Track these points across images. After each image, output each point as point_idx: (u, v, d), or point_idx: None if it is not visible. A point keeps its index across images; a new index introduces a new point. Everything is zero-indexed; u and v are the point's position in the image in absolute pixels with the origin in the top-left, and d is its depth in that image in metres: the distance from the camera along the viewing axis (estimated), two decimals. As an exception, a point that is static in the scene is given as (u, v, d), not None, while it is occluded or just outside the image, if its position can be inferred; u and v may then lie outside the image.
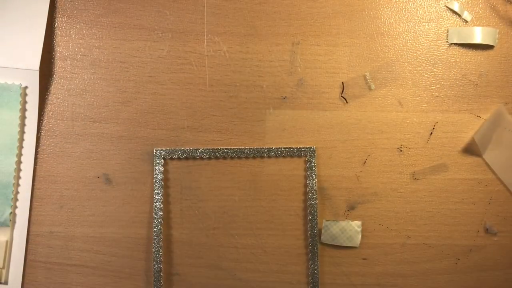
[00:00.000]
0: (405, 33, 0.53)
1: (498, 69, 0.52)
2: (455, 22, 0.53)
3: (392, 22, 0.53)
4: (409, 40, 0.52)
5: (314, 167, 0.51)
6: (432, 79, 0.52)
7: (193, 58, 0.52)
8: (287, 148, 0.51)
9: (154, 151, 0.51)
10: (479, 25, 0.52)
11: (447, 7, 0.53)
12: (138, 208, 0.51)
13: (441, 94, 0.52)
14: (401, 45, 0.52)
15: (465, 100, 0.52)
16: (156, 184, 0.51)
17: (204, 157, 0.51)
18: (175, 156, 0.51)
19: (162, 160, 0.51)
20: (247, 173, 0.51)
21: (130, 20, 0.52)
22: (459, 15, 0.53)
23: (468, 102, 0.52)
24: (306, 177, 0.51)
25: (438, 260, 0.52)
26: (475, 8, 0.53)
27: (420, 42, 0.52)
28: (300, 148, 0.51)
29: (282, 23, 0.52)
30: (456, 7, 0.52)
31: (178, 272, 0.51)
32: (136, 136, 0.51)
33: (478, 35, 0.52)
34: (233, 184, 0.51)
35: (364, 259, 0.52)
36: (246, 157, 0.51)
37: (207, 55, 0.52)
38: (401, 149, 0.52)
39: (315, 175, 0.51)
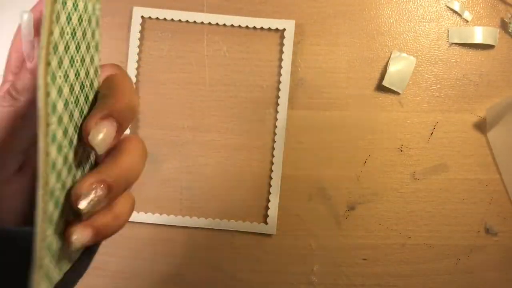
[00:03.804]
0: (406, 32, 0.52)
1: (498, 69, 0.52)
2: (456, 22, 0.53)
3: (393, 21, 0.53)
4: (410, 39, 0.52)
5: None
6: (432, 79, 0.52)
7: (193, 58, 0.52)
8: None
9: (154, 151, 0.51)
10: (479, 25, 0.52)
11: (447, 6, 0.53)
12: (139, 208, 0.51)
13: (441, 94, 0.52)
14: (401, 44, 0.52)
15: (465, 100, 0.52)
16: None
17: (204, 157, 0.51)
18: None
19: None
20: (247, 173, 0.51)
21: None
22: (459, 15, 0.52)
23: (469, 102, 0.52)
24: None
25: (439, 260, 0.52)
26: (475, 8, 0.53)
27: (421, 42, 0.52)
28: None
29: (282, 23, 0.52)
30: (456, 7, 0.52)
31: (178, 272, 0.51)
32: (136, 136, 0.51)
33: (479, 35, 0.52)
34: (233, 184, 0.51)
35: (364, 259, 0.51)
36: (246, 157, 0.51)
37: (207, 55, 0.51)
38: (402, 149, 0.52)
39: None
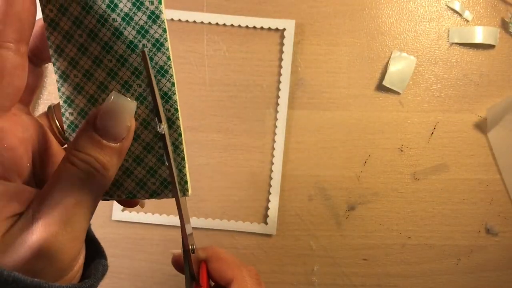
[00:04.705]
0: (406, 32, 0.52)
1: (499, 69, 0.52)
2: (456, 22, 0.53)
3: (393, 21, 0.52)
4: (410, 39, 0.52)
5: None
6: (433, 78, 0.52)
7: (193, 58, 0.52)
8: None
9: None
10: (480, 25, 0.52)
11: (448, 6, 0.53)
12: (139, 208, 0.51)
13: (442, 94, 0.52)
14: (402, 44, 0.52)
15: (466, 100, 0.52)
16: (156, 184, 0.50)
17: (204, 157, 0.51)
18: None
19: (162, 160, 0.51)
20: (247, 173, 0.51)
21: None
22: (460, 15, 0.52)
23: (469, 102, 0.52)
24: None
25: (439, 260, 0.52)
26: (476, 8, 0.52)
27: (421, 42, 0.52)
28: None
29: (282, 23, 0.52)
30: (457, 7, 0.52)
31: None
32: (136, 136, 0.51)
33: (479, 35, 0.52)
34: (233, 184, 0.51)
35: (365, 259, 0.51)
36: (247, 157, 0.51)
37: (207, 55, 0.51)
38: (402, 149, 0.52)
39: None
